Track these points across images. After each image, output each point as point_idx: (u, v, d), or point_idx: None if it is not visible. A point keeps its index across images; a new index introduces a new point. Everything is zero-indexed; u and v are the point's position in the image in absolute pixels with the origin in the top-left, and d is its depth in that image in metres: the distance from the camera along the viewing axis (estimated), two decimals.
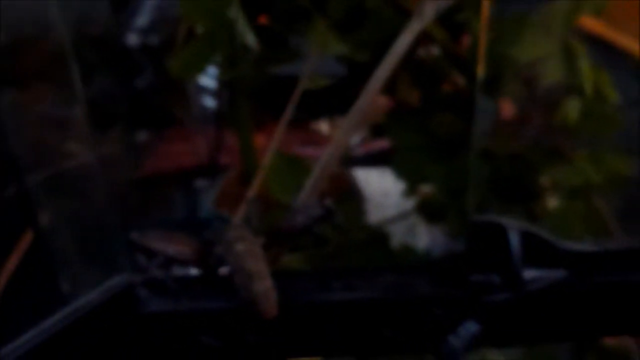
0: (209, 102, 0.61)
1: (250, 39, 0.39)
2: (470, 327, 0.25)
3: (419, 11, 0.32)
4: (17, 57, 0.27)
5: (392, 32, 0.37)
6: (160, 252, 0.25)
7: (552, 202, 0.43)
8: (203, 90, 0.61)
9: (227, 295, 0.26)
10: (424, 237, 0.50)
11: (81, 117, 0.32)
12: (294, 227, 0.26)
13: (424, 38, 0.38)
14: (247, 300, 0.23)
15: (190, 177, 0.60)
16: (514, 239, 0.24)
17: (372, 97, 0.32)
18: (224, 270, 0.26)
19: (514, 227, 0.24)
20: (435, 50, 0.42)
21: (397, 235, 0.49)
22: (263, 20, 0.44)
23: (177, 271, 0.27)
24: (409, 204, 0.50)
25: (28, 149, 0.28)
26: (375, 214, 0.53)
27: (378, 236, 0.47)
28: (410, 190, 0.49)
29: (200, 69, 0.41)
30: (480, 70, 0.29)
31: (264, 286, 0.23)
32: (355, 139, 0.61)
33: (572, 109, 0.35)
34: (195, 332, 0.26)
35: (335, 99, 0.50)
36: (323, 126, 0.70)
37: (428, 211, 0.46)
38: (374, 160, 0.58)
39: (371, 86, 0.32)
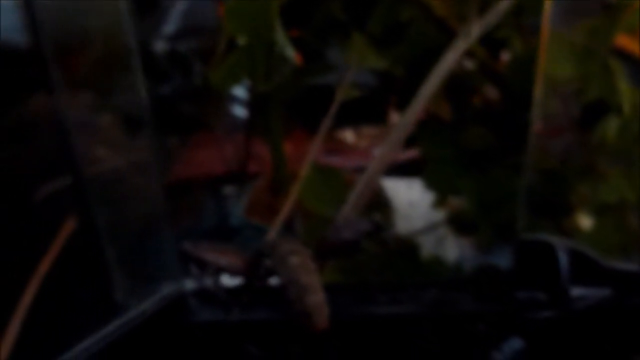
0: (238, 111, 0.62)
1: (289, 52, 0.40)
2: (514, 344, 0.26)
3: (465, 31, 0.32)
4: (71, 62, 0.28)
5: (430, 47, 0.37)
6: (212, 263, 0.26)
7: (582, 218, 0.43)
8: (233, 98, 0.61)
9: (275, 306, 0.26)
10: (453, 249, 0.51)
11: (117, 124, 0.33)
12: (342, 242, 0.27)
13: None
14: (300, 312, 0.24)
15: (219, 184, 0.60)
16: (563, 258, 0.24)
17: (417, 113, 0.32)
18: (272, 281, 0.27)
19: (562, 246, 0.24)
20: (467, 64, 0.43)
21: (426, 247, 0.49)
22: (295, 33, 0.45)
23: (226, 281, 0.27)
24: (437, 215, 0.51)
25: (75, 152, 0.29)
26: (403, 225, 0.53)
27: (408, 247, 0.47)
28: (440, 202, 0.49)
29: (238, 80, 0.42)
30: (538, 91, 0.29)
31: (317, 299, 0.24)
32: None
33: (611, 127, 0.35)
34: (243, 341, 0.27)
35: (362, 109, 0.51)
36: (348, 135, 0.70)
37: (458, 224, 0.47)
38: (402, 171, 0.58)
39: (417, 102, 0.32)
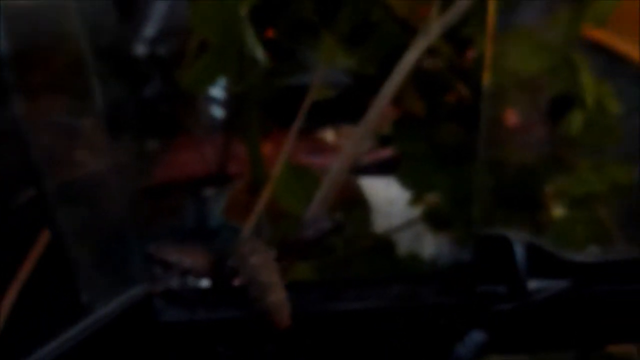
0: (217, 112, 0.62)
1: (259, 53, 0.40)
2: (476, 336, 0.26)
3: (425, 29, 0.32)
4: (32, 67, 0.28)
5: (397, 46, 0.38)
6: (177, 264, 0.26)
7: (556, 211, 0.44)
8: (211, 99, 0.61)
9: (240, 306, 0.27)
10: (430, 246, 0.51)
11: (95, 127, 0.33)
12: (304, 240, 0.27)
13: (429, 50, 0.39)
14: (261, 311, 0.24)
15: (199, 186, 0.61)
16: (519, 251, 0.25)
17: (381, 110, 0.32)
18: (236, 281, 0.27)
19: (519, 240, 0.25)
20: (440, 62, 0.43)
21: (403, 244, 0.49)
22: (269, 34, 0.45)
23: (191, 282, 0.28)
24: (415, 212, 0.51)
25: (43, 157, 0.29)
26: (381, 223, 0.53)
27: (384, 244, 0.48)
28: (416, 199, 0.50)
29: (210, 82, 0.42)
30: (486, 80, 0.30)
31: (278, 298, 0.24)
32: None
33: (575, 120, 0.36)
34: (211, 341, 0.27)
35: (340, 108, 0.51)
36: (328, 135, 0.70)
37: (434, 220, 0.47)
38: (379, 169, 0.58)
39: (380, 100, 0.33)
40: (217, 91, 0.60)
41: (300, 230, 0.28)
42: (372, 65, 0.41)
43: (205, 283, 0.28)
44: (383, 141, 0.52)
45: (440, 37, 0.35)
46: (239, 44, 0.40)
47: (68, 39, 0.26)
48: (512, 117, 0.44)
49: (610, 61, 0.45)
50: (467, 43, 0.39)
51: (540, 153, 0.42)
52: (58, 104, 0.31)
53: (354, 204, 0.52)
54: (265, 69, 0.43)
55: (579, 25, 0.38)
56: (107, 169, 0.31)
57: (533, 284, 0.25)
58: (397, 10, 0.34)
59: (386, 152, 0.60)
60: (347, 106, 0.55)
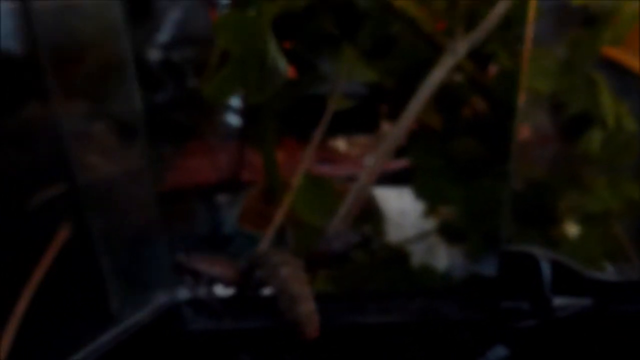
0: (232, 119, 0.62)
1: (281, 64, 0.40)
2: (498, 352, 0.27)
3: (452, 47, 0.33)
4: (70, 69, 0.29)
5: (419, 61, 0.38)
6: (205, 274, 0.27)
7: (569, 227, 0.44)
8: (225, 107, 0.62)
9: (267, 316, 0.27)
10: (443, 258, 0.51)
11: (109, 131, 0.33)
12: (331, 253, 0.28)
13: None
14: (290, 322, 0.25)
15: (212, 192, 0.61)
16: (545, 268, 0.25)
17: (408, 125, 0.33)
18: (264, 291, 0.27)
19: (545, 257, 0.25)
20: (457, 76, 0.44)
21: (417, 256, 0.50)
22: (287, 45, 0.45)
23: (219, 291, 0.28)
24: (427, 224, 0.51)
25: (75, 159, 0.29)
26: (394, 234, 0.54)
27: (398, 256, 0.48)
28: (430, 211, 0.50)
29: (231, 93, 0.43)
30: (521, 100, 0.30)
31: (308, 309, 0.25)
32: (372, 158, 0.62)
33: (595, 139, 0.36)
34: (236, 350, 0.27)
35: (354, 118, 0.52)
36: (340, 144, 0.71)
37: (448, 232, 0.48)
38: (392, 180, 0.59)
39: (407, 115, 0.33)
40: (232, 99, 0.61)
41: (326, 242, 0.28)
42: (392, 78, 0.42)
43: (229, 292, 0.29)
44: (397, 153, 0.53)
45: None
46: (261, 55, 0.41)
47: (109, 42, 0.27)
48: (525, 133, 0.44)
49: (620, 77, 0.45)
50: (487, 58, 0.39)
51: (556, 169, 0.42)
52: (86, 107, 0.32)
53: (369, 215, 0.52)
54: (286, 80, 0.43)
55: (599, 45, 0.38)
56: (130, 173, 0.32)
57: (557, 301, 0.26)
58: (422, 26, 0.35)
59: (398, 164, 0.60)
60: (361, 117, 0.56)
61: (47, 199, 0.40)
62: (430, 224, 0.51)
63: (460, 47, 0.32)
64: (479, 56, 0.38)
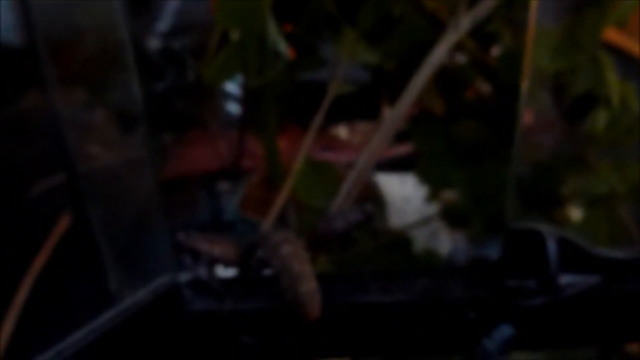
0: (232, 107, 0.62)
1: (282, 47, 0.40)
2: (504, 331, 0.26)
3: (454, 23, 0.32)
4: (67, 57, 0.28)
5: (421, 41, 0.38)
6: (206, 253, 0.26)
7: (573, 210, 0.44)
8: (226, 95, 0.61)
9: (268, 296, 0.27)
10: (446, 243, 0.51)
11: (108, 120, 0.33)
12: (333, 232, 0.27)
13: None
14: (292, 301, 0.24)
15: (213, 180, 0.61)
16: (552, 246, 0.25)
17: (408, 106, 0.32)
18: (266, 272, 0.27)
19: (551, 234, 0.24)
20: (459, 58, 0.43)
21: (419, 241, 0.49)
22: (288, 28, 0.45)
23: (220, 272, 0.28)
24: (430, 209, 0.51)
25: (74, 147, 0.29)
26: (396, 219, 0.53)
27: (401, 241, 0.48)
28: (433, 196, 0.50)
29: (231, 76, 0.42)
30: (524, 83, 0.30)
31: (310, 288, 0.24)
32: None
33: (600, 119, 0.36)
34: (237, 331, 0.27)
35: (355, 104, 0.51)
36: (342, 131, 0.70)
37: (451, 217, 0.47)
38: (394, 165, 0.58)
39: (408, 95, 0.33)
40: (232, 87, 0.60)
41: (328, 221, 0.27)
42: (393, 60, 0.41)
43: (230, 273, 0.28)
44: (398, 137, 0.52)
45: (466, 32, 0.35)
46: (261, 37, 0.40)
47: (106, 30, 0.26)
48: (529, 115, 0.44)
49: (623, 62, 0.45)
50: (490, 38, 0.39)
51: (561, 151, 0.42)
52: (84, 96, 0.31)
53: (370, 200, 0.52)
54: (286, 64, 0.43)
55: (604, 25, 0.38)
56: (130, 161, 0.31)
57: (563, 279, 0.25)
58: (425, 3, 0.34)
59: (400, 149, 0.60)
60: (362, 103, 0.55)
61: (48, 188, 0.40)
62: (432, 209, 0.51)
63: (462, 23, 0.32)
64: (481, 36, 0.37)
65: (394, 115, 0.33)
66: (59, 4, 0.27)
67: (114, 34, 0.27)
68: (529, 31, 0.26)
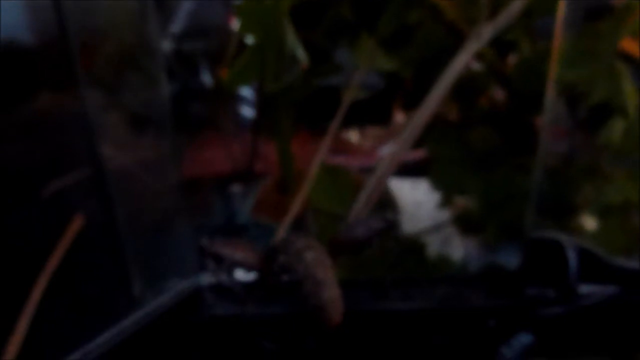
0: (246, 111, 0.62)
1: (300, 52, 0.40)
2: (523, 339, 0.26)
3: (476, 33, 0.33)
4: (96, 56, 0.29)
5: (439, 50, 0.38)
6: (228, 258, 0.26)
7: (587, 219, 0.44)
8: (240, 98, 0.62)
9: (289, 302, 0.27)
10: (458, 249, 0.51)
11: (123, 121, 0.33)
12: (355, 239, 0.28)
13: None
14: (315, 307, 0.25)
15: (226, 183, 0.61)
16: (572, 255, 0.25)
17: (430, 113, 0.33)
18: (286, 277, 0.27)
19: (571, 244, 0.25)
20: (474, 65, 0.43)
21: (432, 246, 0.49)
22: (304, 34, 0.45)
23: (241, 276, 0.28)
24: (442, 215, 0.51)
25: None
26: (409, 225, 0.54)
27: (414, 246, 0.48)
28: (446, 202, 0.50)
29: (249, 81, 0.43)
30: (550, 95, 0.30)
31: (333, 294, 0.24)
32: (386, 150, 0.62)
33: (616, 129, 0.36)
34: (258, 335, 0.27)
35: (366, 109, 0.52)
36: (353, 136, 0.71)
37: (465, 223, 0.47)
38: (407, 171, 0.59)
39: (429, 103, 0.33)
40: (246, 91, 0.61)
41: (349, 229, 0.28)
42: (411, 67, 0.42)
43: (251, 277, 0.29)
44: (415, 144, 0.52)
45: None
46: (279, 43, 0.41)
47: (134, 33, 0.26)
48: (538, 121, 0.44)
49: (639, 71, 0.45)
50: (508, 46, 0.39)
51: (576, 160, 0.42)
52: (107, 96, 0.32)
53: (385, 206, 0.52)
54: (303, 69, 0.43)
55: (620, 35, 0.38)
56: (153, 162, 0.32)
57: (582, 289, 0.26)
58: (445, 12, 0.34)
59: (412, 155, 0.60)
60: (373, 108, 0.56)
61: (61, 188, 0.40)
62: (444, 215, 0.51)
63: (484, 33, 0.32)
64: (499, 44, 0.37)
65: (415, 122, 0.33)
66: (86, 4, 0.27)
67: (140, 35, 0.28)
68: (554, 41, 0.26)
